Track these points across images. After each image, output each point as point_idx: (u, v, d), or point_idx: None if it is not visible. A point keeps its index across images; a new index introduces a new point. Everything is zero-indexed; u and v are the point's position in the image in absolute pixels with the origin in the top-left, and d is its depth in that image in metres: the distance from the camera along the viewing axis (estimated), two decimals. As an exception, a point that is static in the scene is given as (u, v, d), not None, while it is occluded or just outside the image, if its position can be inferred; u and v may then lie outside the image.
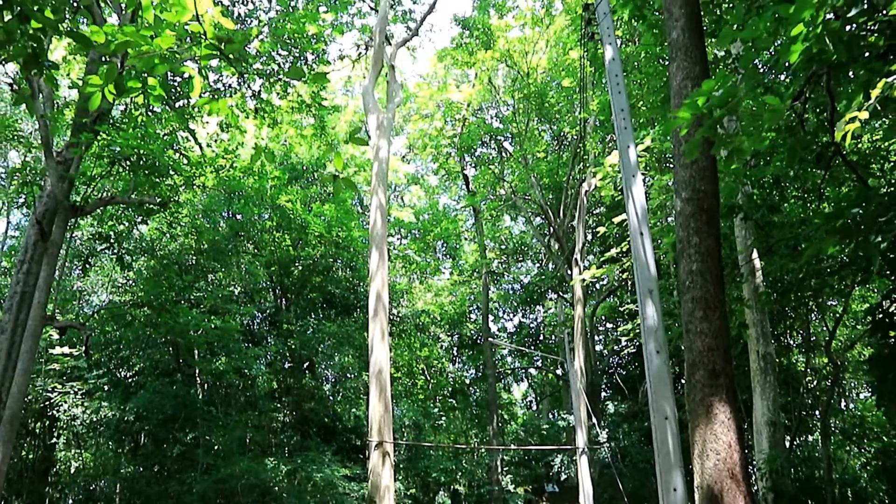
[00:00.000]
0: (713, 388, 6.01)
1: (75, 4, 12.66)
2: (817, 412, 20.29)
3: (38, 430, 21.89)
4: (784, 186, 14.89)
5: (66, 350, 19.53)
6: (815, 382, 21.06)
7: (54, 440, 21.73)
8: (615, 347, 31.66)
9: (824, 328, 21.28)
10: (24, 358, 12.54)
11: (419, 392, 33.56)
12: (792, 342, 21.60)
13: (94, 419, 20.05)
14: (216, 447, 21.64)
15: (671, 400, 6.73)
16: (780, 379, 15.65)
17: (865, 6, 5.59)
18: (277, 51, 17.67)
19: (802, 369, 20.59)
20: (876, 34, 5.75)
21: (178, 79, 15.99)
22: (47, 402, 19.98)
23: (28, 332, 12.69)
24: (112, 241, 19.95)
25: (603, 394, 31.31)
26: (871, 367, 9.85)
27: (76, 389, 20.00)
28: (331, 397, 28.08)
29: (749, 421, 15.84)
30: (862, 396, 26.64)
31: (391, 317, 27.68)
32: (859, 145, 12.42)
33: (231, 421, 21.95)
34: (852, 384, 26.18)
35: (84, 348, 19.50)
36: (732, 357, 6.38)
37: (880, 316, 9.46)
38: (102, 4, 13.96)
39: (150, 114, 15.92)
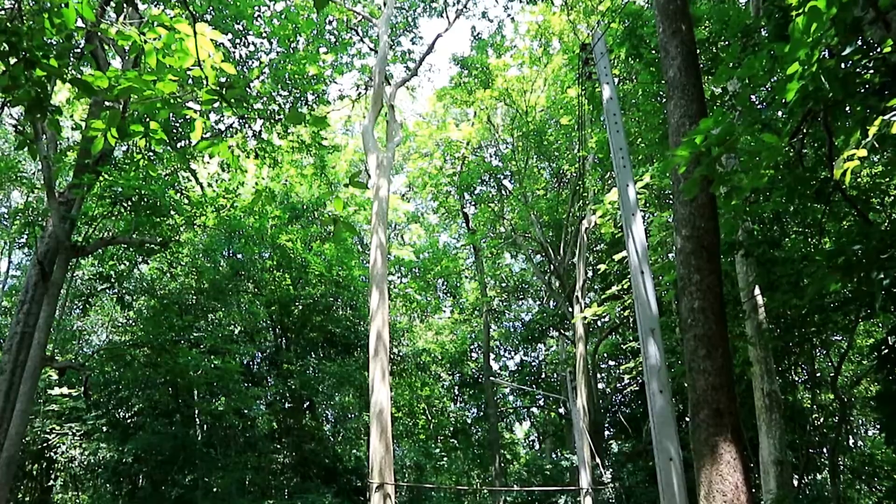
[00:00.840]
0: (718, 427, 5.92)
1: (79, 51, 12.85)
2: (825, 450, 20.02)
3: (35, 472, 21.60)
4: (784, 222, 14.91)
5: (64, 391, 19.41)
6: (821, 419, 20.81)
7: (51, 482, 21.44)
8: (618, 385, 31.38)
9: (829, 364, 21.11)
10: (23, 399, 12.44)
11: (420, 432, 33.17)
12: (797, 379, 21.40)
13: (92, 461, 19.80)
14: (215, 489, 21.31)
15: (675, 440, 6.63)
16: (786, 416, 15.47)
17: (860, 44, 5.66)
18: (278, 91, 17.87)
19: (809, 406, 20.36)
20: (871, 71, 5.81)
21: (180, 119, 16.16)
22: (45, 444, 19.77)
23: (27, 372, 12.61)
24: (113, 280, 19.95)
25: (606, 433, 30.91)
26: (878, 404, 9.73)
27: (74, 430, 19.80)
28: (331, 438, 27.75)
29: (755, 460, 15.60)
30: (870, 433, 26.29)
31: (392, 356, 27.49)
32: (859, 179, 12.47)
33: (230, 462, 21.66)
34: (860, 421, 25.86)
35: (83, 389, 19.37)
36: (737, 395, 6.30)
37: (885, 352, 9.38)
38: (106, 47, 14.16)
39: (151, 153, 16.06)
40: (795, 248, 14.02)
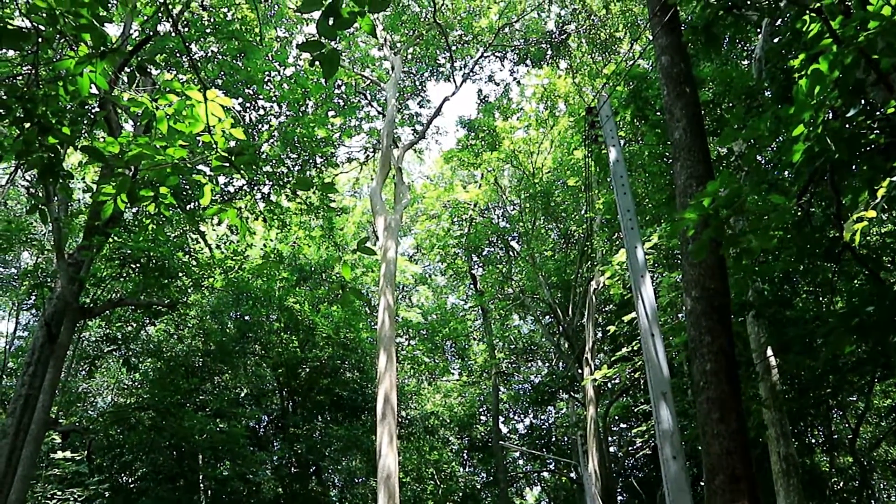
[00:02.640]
0: (734, 493, 5.75)
1: (92, 116, 13.13)
2: (846, 517, 19.35)
3: (33, 542, 21.10)
4: (795, 281, 14.77)
5: (67, 454, 19.10)
6: (841, 484, 20.19)
7: (50, 552, 20.89)
8: (630, 449, 30.71)
9: (846, 426, 20.60)
10: (25, 464, 12.23)
11: (429, 498, 32.37)
12: (814, 441, 20.88)
13: (93, 529, 19.35)
14: (218, 558, 20.77)
15: (692, 508, 6.42)
16: (804, 481, 15.00)
17: (863, 106, 5.71)
18: (287, 154, 18.11)
19: (827, 470, 19.79)
20: (876, 132, 5.84)
21: (189, 181, 16.33)
22: (45, 511, 19.36)
23: (30, 436, 12.43)
24: (119, 342, 19.87)
25: (619, 498, 30.12)
26: (899, 469, 9.45)
27: (76, 496, 19.39)
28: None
29: (775, 528, 15.09)
30: (893, 499, 25.43)
31: (400, 419, 27.10)
32: (868, 238, 12.39)
33: (234, 530, 21.14)
34: (882, 485, 25.06)
35: (86, 452, 19.05)
36: (753, 460, 6.13)
37: (904, 414, 9.15)
38: (119, 110, 14.44)
39: (160, 216, 16.19)
40: (807, 308, 13.86)
